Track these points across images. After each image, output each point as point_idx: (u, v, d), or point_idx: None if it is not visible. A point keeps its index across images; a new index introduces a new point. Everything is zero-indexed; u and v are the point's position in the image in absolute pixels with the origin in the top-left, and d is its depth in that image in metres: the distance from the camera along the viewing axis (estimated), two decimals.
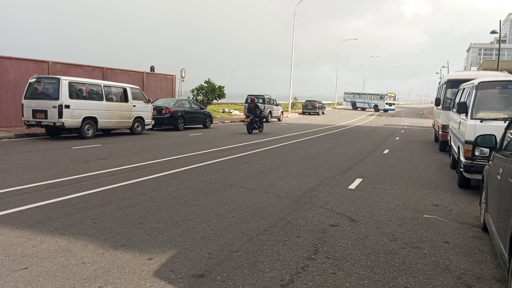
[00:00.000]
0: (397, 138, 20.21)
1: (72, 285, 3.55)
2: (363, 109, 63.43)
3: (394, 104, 63.18)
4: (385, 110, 60.21)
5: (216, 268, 4.00)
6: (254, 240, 4.82)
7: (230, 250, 4.47)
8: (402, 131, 25.43)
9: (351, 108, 64.75)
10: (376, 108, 61.31)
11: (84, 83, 15.37)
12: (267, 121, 30.42)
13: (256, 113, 20.53)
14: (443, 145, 14.70)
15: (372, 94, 64.16)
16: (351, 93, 68.45)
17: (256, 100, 22.56)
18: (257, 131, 20.95)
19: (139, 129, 17.72)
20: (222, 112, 35.73)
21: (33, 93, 14.52)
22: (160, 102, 21.15)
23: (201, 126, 22.71)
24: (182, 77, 29.06)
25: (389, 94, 62.74)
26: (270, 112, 30.76)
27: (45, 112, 14.16)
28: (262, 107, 29.87)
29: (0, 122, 15.60)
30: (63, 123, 14.12)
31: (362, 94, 66.67)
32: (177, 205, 6.23)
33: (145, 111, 18.03)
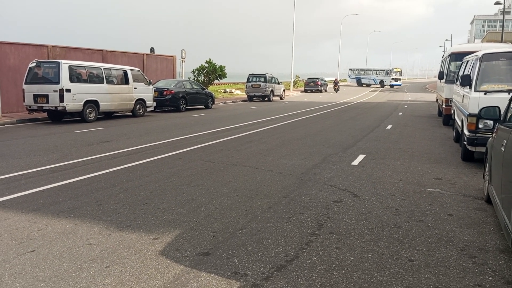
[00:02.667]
0: (400, 114, 20.11)
1: (79, 266, 3.59)
2: (368, 85, 62.63)
3: (400, 79, 62.21)
4: (391, 86, 59.27)
5: (221, 246, 4.03)
6: (258, 217, 4.85)
7: (235, 228, 4.50)
8: (405, 106, 25.29)
9: (356, 85, 64.02)
10: (382, 84, 60.48)
11: (84, 67, 15.28)
12: (269, 100, 30.31)
13: None
14: (447, 119, 14.62)
15: (378, 70, 63.28)
16: (356, 70, 67.66)
17: None
18: None
19: (140, 111, 17.68)
20: (224, 92, 35.60)
21: (33, 78, 14.47)
22: (161, 84, 21.04)
23: (203, 106, 22.65)
24: (182, 58, 28.82)
25: (395, 69, 61.64)
26: (272, 90, 30.60)
27: (46, 96, 14.13)
28: (264, 86, 29.74)
29: (2, 108, 15.59)
30: (65, 107, 14.10)
31: (367, 70, 65.81)
32: (180, 186, 6.25)
33: (146, 93, 17.95)
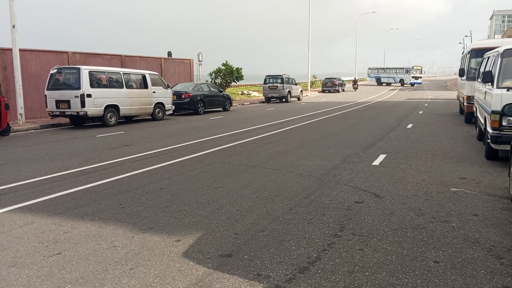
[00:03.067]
0: (421, 112, 19.82)
1: (105, 268, 3.65)
2: (388, 84, 61.56)
3: (420, 77, 60.79)
4: (412, 84, 57.92)
5: (243, 247, 4.04)
6: (279, 219, 4.85)
7: (256, 230, 4.50)
8: (426, 105, 24.92)
9: (376, 84, 63.12)
10: (402, 82, 59.39)
11: (104, 72, 15.55)
12: (286, 101, 30.26)
13: None
14: (469, 116, 14.34)
15: (397, 68, 62.08)
16: (375, 68, 66.75)
17: None
18: None
19: (160, 114, 17.87)
20: (241, 94, 35.71)
21: (55, 84, 14.78)
22: (179, 87, 21.23)
23: (220, 109, 22.75)
24: (199, 61, 29.03)
25: (415, 67, 60.16)
26: (289, 91, 30.54)
27: (68, 102, 14.42)
28: (281, 87, 29.70)
29: (25, 114, 15.96)
30: (86, 112, 14.36)
31: (386, 68, 64.72)
32: (201, 188, 6.29)
33: (165, 96, 18.14)
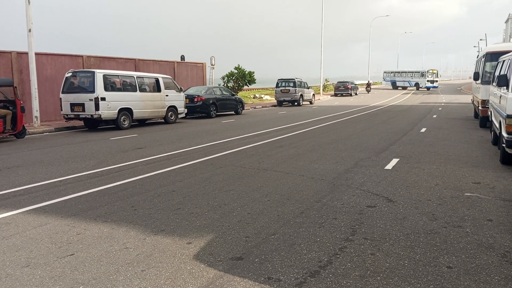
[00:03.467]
0: (435, 116, 19.61)
1: (116, 269, 3.68)
2: (404, 88, 60.71)
3: (436, 81, 59.51)
4: (428, 88, 56.73)
5: (254, 250, 4.04)
6: (290, 223, 4.84)
7: (267, 233, 4.50)
8: (440, 109, 24.65)
9: (391, 88, 62.32)
10: (417, 86, 58.47)
11: (118, 75, 15.72)
12: (298, 104, 30.21)
13: None
14: (484, 121, 14.15)
15: (413, 72, 61.18)
16: (391, 72, 65.95)
17: None
18: None
19: (172, 118, 17.99)
20: (253, 98, 35.75)
21: (70, 87, 14.98)
22: (191, 91, 21.35)
23: (233, 112, 22.81)
24: (212, 65, 29.19)
25: (430, 71, 59.00)
26: (301, 95, 30.49)
27: (82, 105, 14.60)
28: (294, 90, 29.66)
29: (40, 117, 16.21)
30: (100, 115, 14.52)
31: (402, 72, 63.72)
32: (213, 191, 6.31)
33: (178, 100, 18.25)
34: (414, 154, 9.32)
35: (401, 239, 4.30)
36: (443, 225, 4.70)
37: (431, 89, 56.86)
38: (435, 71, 59.99)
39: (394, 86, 62.40)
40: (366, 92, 50.69)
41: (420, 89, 57.39)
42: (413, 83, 59.27)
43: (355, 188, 6.40)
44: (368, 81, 57.93)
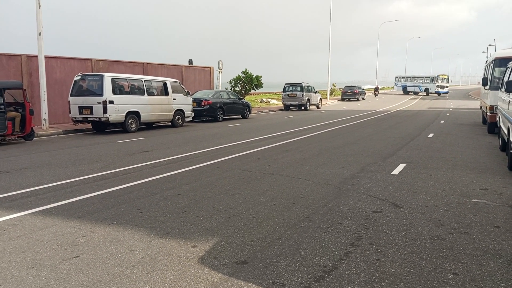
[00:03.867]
0: (442, 121, 19.50)
1: (121, 272, 3.69)
2: (415, 93, 59.41)
3: (447, 86, 58.15)
4: (438, 94, 55.56)
5: (259, 255, 4.04)
6: (295, 227, 4.83)
7: (272, 237, 4.49)
8: (448, 114, 24.51)
9: (402, 93, 61.67)
10: (427, 91, 57.50)
11: (126, 79, 15.84)
12: (305, 109, 30.19)
13: None
14: (492, 126, 14.04)
15: (424, 77, 60.43)
16: (402, 77, 65.35)
17: None
18: None
19: (179, 121, 18.05)
20: (260, 102, 35.80)
21: (78, 90, 15.11)
22: (199, 94, 21.43)
23: (239, 116, 22.85)
24: (219, 69, 29.29)
25: (441, 76, 57.83)
26: (308, 99, 30.46)
27: (90, 108, 14.71)
28: (301, 95, 29.66)
29: (49, 119, 16.35)
30: (108, 118, 14.62)
31: (413, 77, 62.88)
32: (218, 194, 6.32)
33: (185, 103, 18.32)
34: (421, 160, 9.26)
35: (407, 245, 4.28)
36: (450, 231, 4.66)
37: (441, 94, 55.95)
38: (446, 76, 58.91)
39: (405, 91, 61.69)
40: (374, 96, 51.05)
41: (430, 94, 56.64)
42: (423, 88, 58.46)
43: (361, 193, 6.37)
44: (377, 86, 59.95)
